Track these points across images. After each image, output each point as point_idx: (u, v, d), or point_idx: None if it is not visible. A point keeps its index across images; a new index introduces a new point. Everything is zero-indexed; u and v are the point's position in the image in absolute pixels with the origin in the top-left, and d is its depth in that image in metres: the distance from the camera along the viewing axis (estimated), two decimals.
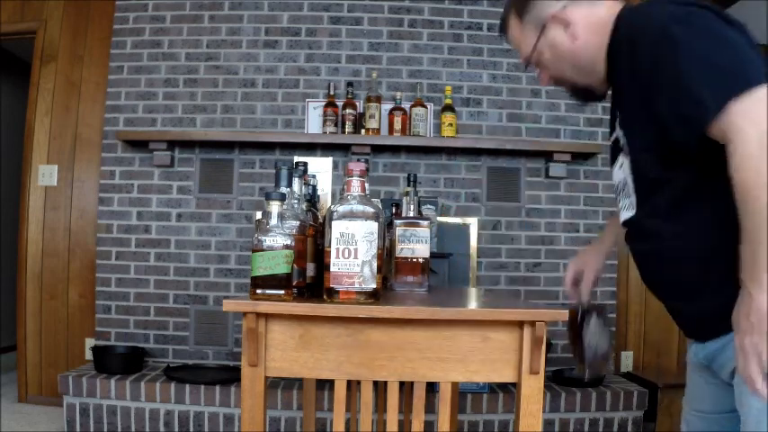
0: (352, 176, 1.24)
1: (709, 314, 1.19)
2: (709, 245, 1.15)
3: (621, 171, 1.29)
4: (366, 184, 1.25)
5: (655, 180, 1.19)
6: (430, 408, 2.82)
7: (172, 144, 3.44)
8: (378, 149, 3.44)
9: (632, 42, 1.14)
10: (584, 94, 1.34)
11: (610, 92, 1.33)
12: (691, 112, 1.05)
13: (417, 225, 1.62)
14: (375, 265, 1.20)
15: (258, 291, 1.20)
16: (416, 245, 1.61)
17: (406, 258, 1.61)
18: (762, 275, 1.01)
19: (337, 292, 1.21)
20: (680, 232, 1.17)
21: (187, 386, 3.01)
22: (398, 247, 1.60)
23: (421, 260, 1.62)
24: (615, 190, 1.35)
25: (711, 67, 1.04)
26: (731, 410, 1.25)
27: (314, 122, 3.46)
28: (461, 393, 2.99)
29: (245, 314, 1.19)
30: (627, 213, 1.29)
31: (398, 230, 1.61)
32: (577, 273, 1.69)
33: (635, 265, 1.34)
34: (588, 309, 1.65)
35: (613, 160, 1.34)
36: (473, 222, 3.46)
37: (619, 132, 1.27)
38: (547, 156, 3.43)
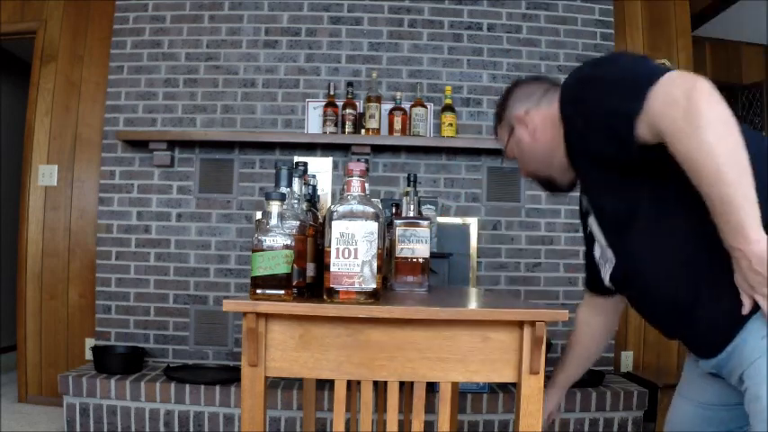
0: (352, 176, 1.24)
1: (709, 332, 1.21)
2: (688, 257, 1.19)
3: (598, 245, 1.41)
4: (366, 184, 1.25)
5: (622, 218, 1.27)
6: (430, 408, 2.82)
7: (172, 144, 3.44)
8: (378, 149, 3.44)
9: (564, 105, 1.30)
10: (548, 185, 1.50)
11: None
12: (618, 123, 1.13)
13: (417, 225, 1.62)
14: (375, 265, 1.20)
15: (258, 291, 1.20)
16: (416, 245, 1.61)
17: (406, 258, 1.61)
18: (744, 231, 1.05)
19: (337, 292, 1.21)
20: (658, 258, 1.23)
21: (187, 386, 3.01)
22: (398, 247, 1.60)
23: (421, 260, 1.62)
24: (599, 264, 1.45)
25: (620, 82, 1.16)
26: (735, 404, 1.27)
27: (314, 122, 3.46)
28: (461, 393, 2.99)
29: (245, 314, 1.19)
30: (610, 269, 1.38)
31: (398, 230, 1.61)
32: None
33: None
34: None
35: (591, 245, 1.47)
36: (473, 222, 3.46)
37: (583, 200, 1.41)
38: None
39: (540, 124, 1.43)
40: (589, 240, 1.50)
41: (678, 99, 1.05)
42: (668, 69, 1.12)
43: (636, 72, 1.15)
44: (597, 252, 1.44)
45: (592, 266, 1.56)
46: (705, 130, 1.03)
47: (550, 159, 1.42)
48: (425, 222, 1.64)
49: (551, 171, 1.46)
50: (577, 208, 3.83)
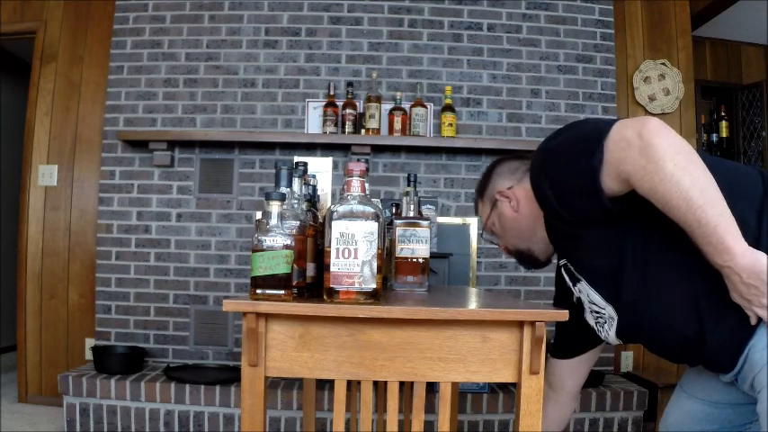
0: (352, 176, 1.24)
1: (722, 351, 1.22)
2: (685, 290, 1.21)
3: (588, 296, 1.41)
4: (366, 184, 1.25)
5: (613, 270, 1.28)
6: (430, 408, 2.82)
7: (172, 144, 3.44)
8: (378, 149, 3.44)
9: (533, 179, 1.33)
10: (527, 259, 1.55)
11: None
12: (584, 182, 1.17)
13: (417, 225, 1.63)
14: (375, 265, 1.20)
15: (258, 291, 1.20)
16: (416, 245, 1.61)
17: (406, 258, 1.61)
18: (727, 246, 1.07)
19: (337, 292, 1.21)
20: (657, 301, 1.24)
21: (187, 386, 3.01)
22: (398, 247, 1.60)
23: (421, 260, 1.62)
24: (596, 327, 1.45)
25: (577, 146, 1.20)
26: (743, 403, 1.27)
27: (314, 122, 3.46)
28: (461, 393, 2.99)
29: (244, 314, 1.19)
30: (615, 325, 1.37)
31: (398, 230, 1.61)
32: None
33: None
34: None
35: (582, 310, 1.46)
36: (473, 222, 3.46)
37: (568, 267, 1.42)
38: None
39: (522, 198, 1.47)
40: (576, 310, 1.48)
41: (631, 140, 1.09)
42: (614, 121, 1.16)
43: (588, 131, 1.20)
44: (591, 318, 1.44)
45: (570, 333, 1.59)
46: (664, 161, 1.06)
47: (532, 232, 1.47)
48: (425, 222, 1.64)
49: (531, 245, 1.51)
50: None
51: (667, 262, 1.21)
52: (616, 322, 1.37)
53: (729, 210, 1.07)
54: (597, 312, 1.41)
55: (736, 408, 1.31)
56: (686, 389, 1.43)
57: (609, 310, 1.37)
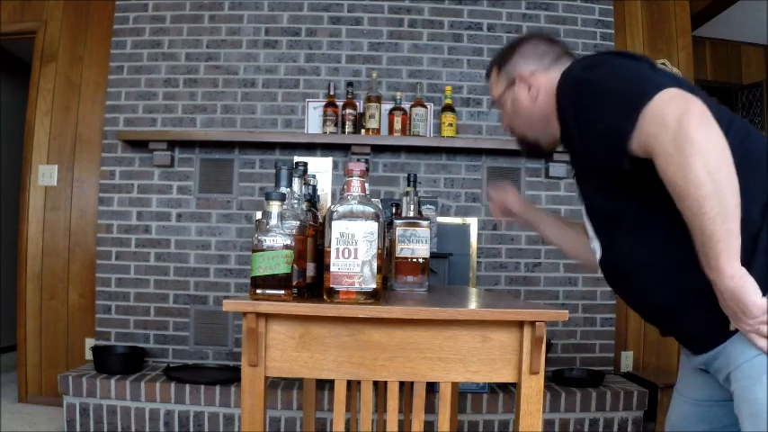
0: (352, 176, 1.24)
1: (698, 332, 1.23)
2: (673, 266, 1.19)
3: (584, 218, 1.40)
4: (366, 184, 1.25)
5: (611, 215, 1.27)
6: (430, 408, 2.82)
7: (172, 144, 3.44)
8: (378, 149, 3.44)
9: (560, 104, 1.27)
10: (528, 148, 1.48)
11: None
12: (612, 139, 1.13)
13: (417, 225, 1.63)
14: (375, 265, 1.20)
15: (258, 291, 1.20)
16: (416, 245, 1.61)
17: (406, 258, 1.62)
18: (720, 265, 1.06)
19: (337, 292, 1.21)
20: (642, 261, 1.23)
21: (187, 386, 3.01)
22: (398, 247, 1.61)
23: (421, 260, 1.62)
24: (591, 242, 1.43)
25: (615, 94, 1.14)
26: (725, 400, 1.27)
27: (314, 122, 3.46)
28: (461, 393, 2.99)
29: (244, 314, 1.19)
30: (598, 254, 1.37)
31: (398, 230, 1.61)
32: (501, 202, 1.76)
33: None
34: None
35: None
36: (473, 222, 3.46)
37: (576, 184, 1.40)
38: (547, 156, 3.43)
39: (543, 89, 1.37)
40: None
41: (669, 121, 1.04)
42: (662, 83, 1.09)
43: (631, 86, 1.13)
44: (587, 224, 1.41)
45: None
46: (693, 158, 1.02)
47: (545, 125, 1.39)
48: (425, 222, 1.64)
49: (540, 136, 1.43)
50: (576, 208, 3.81)
51: (667, 234, 1.19)
52: (598, 255, 1.35)
53: (738, 225, 1.04)
54: (588, 228, 1.40)
55: (721, 406, 1.30)
56: (678, 389, 1.43)
57: (595, 244, 1.36)
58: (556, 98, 1.29)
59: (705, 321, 1.18)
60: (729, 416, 1.27)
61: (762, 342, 1.10)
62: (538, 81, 1.39)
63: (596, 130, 1.17)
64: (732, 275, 1.06)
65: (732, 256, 1.05)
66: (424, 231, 1.63)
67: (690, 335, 1.26)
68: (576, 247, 1.64)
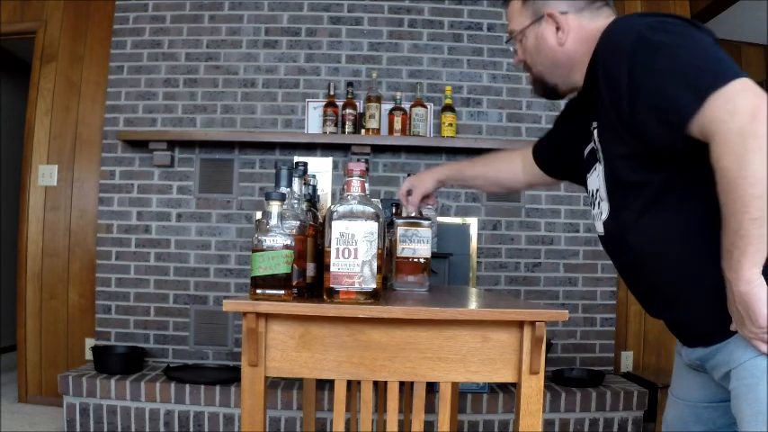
0: (352, 176, 1.24)
1: (697, 325, 1.21)
2: (688, 253, 1.16)
3: (597, 179, 1.32)
4: (366, 184, 1.25)
5: (631, 185, 1.20)
6: (430, 408, 2.82)
7: (172, 144, 3.44)
8: (378, 149, 3.44)
9: (611, 54, 1.16)
10: (544, 89, 1.38)
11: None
12: (671, 114, 1.06)
13: (419, 225, 1.63)
14: (375, 265, 1.20)
15: (258, 291, 1.20)
16: (417, 245, 1.62)
17: (408, 258, 1.62)
18: (740, 265, 1.03)
19: (337, 292, 1.21)
20: (654, 239, 1.19)
21: (187, 386, 3.02)
22: (400, 246, 1.61)
23: (422, 260, 1.63)
24: (590, 198, 1.39)
25: (687, 68, 1.06)
26: (720, 401, 1.26)
27: (314, 122, 3.46)
28: (461, 393, 2.99)
29: (244, 314, 1.19)
30: (600, 221, 1.32)
31: (400, 230, 1.62)
32: (410, 188, 1.75)
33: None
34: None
35: (589, 169, 1.37)
36: (473, 222, 3.46)
37: (596, 142, 1.30)
38: None
39: (573, 32, 1.28)
40: (576, 138, 1.41)
41: (741, 112, 0.99)
42: (737, 70, 1.04)
43: (706, 65, 1.05)
44: (594, 182, 1.34)
45: (557, 147, 1.57)
46: (755, 155, 0.98)
47: (567, 71, 1.31)
48: (426, 222, 1.64)
49: (560, 81, 1.34)
50: (576, 208, 3.81)
51: (689, 217, 1.14)
52: (604, 216, 1.29)
53: None
54: (598, 190, 1.31)
55: (715, 407, 1.29)
56: (672, 391, 1.42)
57: (604, 207, 1.29)
58: (601, 48, 1.18)
59: (711, 316, 1.16)
60: (725, 416, 1.27)
61: (764, 347, 1.09)
62: (568, 23, 1.28)
63: (654, 99, 1.09)
64: (750, 281, 1.03)
65: (756, 263, 1.03)
66: (425, 231, 1.63)
67: (691, 326, 1.23)
68: (503, 181, 1.73)
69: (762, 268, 1.04)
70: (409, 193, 1.73)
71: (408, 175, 1.84)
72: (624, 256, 1.29)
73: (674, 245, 1.17)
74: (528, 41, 1.34)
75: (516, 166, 1.72)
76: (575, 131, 1.42)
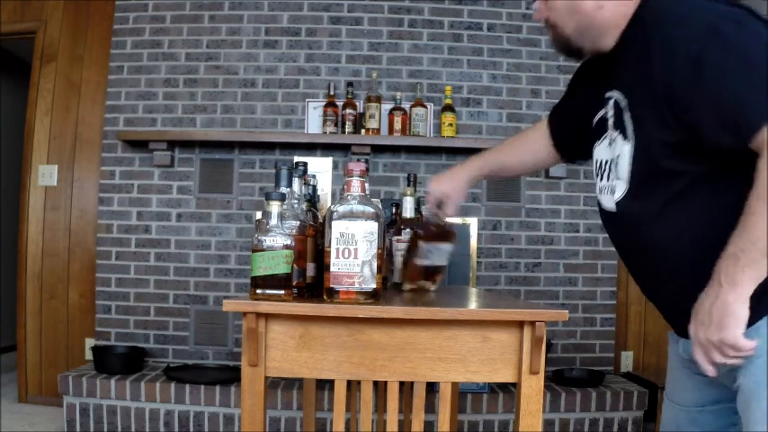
0: (352, 176, 1.24)
1: None
2: (707, 249, 1.11)
3: (610, 150, 1.24)
4: (366, 184, 1.25)
5: (664, 171, 1.13)
6: (430, 408, 2.82)
7: (172, 144, 3.44)
8: (378, 149, 3.44)
9: (677, 33, 1.07)
10: (567, 50, 1.29)
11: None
12: (738, 119, 1.01)
13: (446, 238, 1.64)
14: (375, 265, 1.20)
15: (258, 291, 1.20)
16: (437, 257, 1.62)
17: (425, 267, 1.64)
18: (742, 274, 1.01)
19: (337, 292, 1.21)
20: (679, 229, 1.15)
21: (187, 386, 3.01)
22: (419, 260, 1.61)
23: (438, 267, 1.66)
24: (596, 169, 1.32)
25: (761, 78, 1.00)
26: (713, 403, 1.25)
27: (314, 122, 3.46)
28: (461, 393, 2.99)
29: (244, 314, 1.19)
30: (610, 197, 1.24)
31: (424, 247, 1.60)
32: (441, 197, 1.64)
33: (620, 257, 1.33)
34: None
35: (598, 137, 1.30)
36: (473, 222, 3.46)
37: (608, 111, 1.23)
38: None
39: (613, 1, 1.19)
40: (598, 133, 1.30)
41: None
42: None
43: None
44: (603, 153, 1.27)
45: (567, 113, 1.51)
46: None
47: (597, 38, 1.22)
48: (451, 239, 1.66)
49: (586, 46, 1.25)
50: (576, 208, 3.80)
51: (715, 215, 1.11)
52: (617, 195, 1.21)
53: None
54: (612, 163, 1.24)
55: (711, 411, 1.27)
56: (667, 394, 1.39)
57: (619, 185, 1.21)
58: (661, 20, 1.10)
59: None
60: (720, 419, 1.25)
61: (706, 365, 1.08)
62: None
63: (719, 98, 1.03)
64: (742, 294, 1.01)
65: (755, 278, 1.01)
66: (448, 246, 1.63)
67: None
68: (539, 162, 1.68)
69: (754, 289, 1.02)
70: (438, 203, 1.62)
71: (410, 180, 1.83)
72: (636, 240, 1.23)
73: (697, 236, 1.13)
74: (558, 1, 1.23)
75: (545, 142, 1.62)
76: (586, 96, 1.36)
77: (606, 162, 1.26)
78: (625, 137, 1.19)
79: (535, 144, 1.64)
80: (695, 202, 1.12)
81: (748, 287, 1.02)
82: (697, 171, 1.11)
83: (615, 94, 1.21)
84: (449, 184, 1.64)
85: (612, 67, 1.23)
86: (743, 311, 1.02)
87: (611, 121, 1.23)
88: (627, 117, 1.18)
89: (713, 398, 1.24)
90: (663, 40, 1.09)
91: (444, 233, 1.65)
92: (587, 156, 1.41)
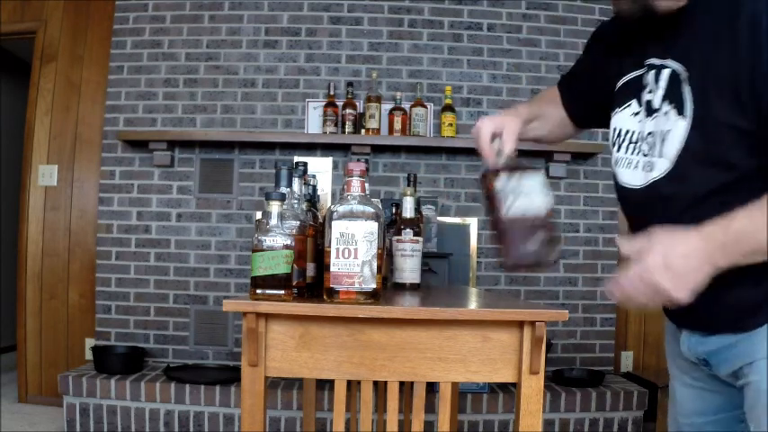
0: (352, 176, 1.24)
1: (728, 310, 1.10)
2: None
3: (639, 121, 1.15)
4: (366, 184, 1.25)
5: (719, 158, 1.04)
6: (430, 408, 2.82)
7: (172, 144, 3.44)
8: (378, 149, 3.44)
9: (754, 1, 0.98)
10: (643, 4, 1.09)
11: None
12: None
13: (526, 169, 1.20)
14: (375, 265, 1.20)
15: (258, 291, 1.20)
16: (528, 199, 1.16)
17: (520, 219, 1.18)
18: (725, 253, 0.96)
19: (337, 292, 1.21)
20: (713, 218, 1.02)
21: (187, 386, 3.02)
22: (504, 206, 1.18)
23: (541, 217, 1.18)
24: (618, 137, 1.20)
25: None
26: (715, 412, 1.22)
27: (314, 122, 3.46)
28: (461, 393, 2.99)
29: (244, 314, 1.19)
30: (642, 174, 1.13)
31: (499, 183, 1.19)
32: (496, 132, 1.31)
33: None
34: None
35: (621, 105, 1.20)
36: (473, 222, 3.46)
37: (647, 79, 1.13)
38: (547, 156, 3.43)
39: None
40: (625, 97, 1.19)
41: None
42: None
43: None
44: (628, 123, 1.17)
45: (579, 75, 1.39)
46: None
47: None
48: (535, 168, 1.24)
49: (664, 2, 1.09)
50: (576, 208, 3.79)
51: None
52: (656, 174, 1.10)
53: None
54: (646, 135, 1.13)
55: (715, 420, 1.25)
56: (671, 413, 1.37)
57: (660, 164, 1.09)
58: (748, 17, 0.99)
59: (751, 301, 1.07)
60: (720, 426, 1.24)
61: (614, 290, 1.02)
62: None
63: None
64: (713, 270, 0.97)
65: (723, 255, 0.96)
66: (535, 181, 1.18)
67: (723, 311, 1.10)
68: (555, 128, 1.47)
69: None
70: (493, 137, 1.30)
71: (410, 180, 1.75)
72: (664, 221, 1.08)
73: None
74: None
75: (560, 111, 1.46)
76: (608, 59, 1.26)
77: (631, 132, 1.17)
78: (680, 112, 1.07)
79: (555, 114, 1.47)
80: (736, 198, 1.02)
81: (712, 265, 0.97)
82: (748, 166, 1.03)
83: (672, 64, 1.10)
84: (500, 118, 1.34)
85: (669, 33, 1.10)
86: (702, 283, 0.97)
87: (659, 93, 1.11)
88: (686, 91, 1.07)
89: (714, 407, 1.22)
90: (749, 16, 0.98)
91: (521, 166, 1.22)
92: (599, 123, 1.32)
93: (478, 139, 1.30)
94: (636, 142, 1.16)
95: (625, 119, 1.19)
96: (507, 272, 1.11)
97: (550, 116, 1.45)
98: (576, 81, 1.43)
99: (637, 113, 1.17)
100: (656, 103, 1.12)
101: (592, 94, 1.33)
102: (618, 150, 1.20)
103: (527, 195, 1.15)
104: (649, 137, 1.13)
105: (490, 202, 1.20)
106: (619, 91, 1.22)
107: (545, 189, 1.16)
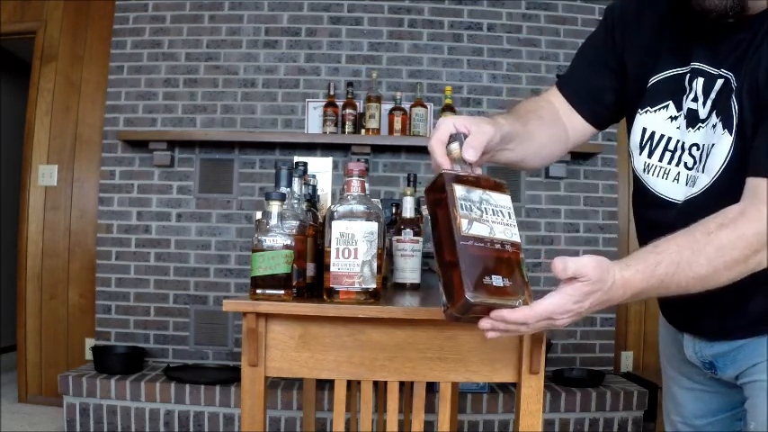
0: (351, 176, 1.24)
1: (741, 316, 1.08)
2: None
3: (677, 127, 1.06)
4: (366, 184, 1.25)
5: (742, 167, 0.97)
6: (430, 408, 2.82)
7: (172, 144, 3.44)
8: (378, 149, 3.44)
9: None
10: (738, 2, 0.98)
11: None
12: None
13: (497, 188, 0.93)
14: (375, 265, 1.20)
15: (258, 291, 1.20)
16: (495, 220, 0.88)
17: (482, 242, 0.85)
18: (646, 295, 0.91)
19: (337, 292, 1.21)
20: None
21: (187, 386, 3.02)
22: (462, 221, 0.84)
23: (508, 248, 0.87)
24: (649, 141, 1.11)
25: None
26: (714, 414, 1.22)
27: (314, 122, 3.46)
28: (461, 393, 2.99)
29: (244, 314, 1.19)
30: (680, 189, 1.07)
31: (459, 192, 0.87)
32: (456, 131, 0.97)
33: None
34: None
35: (654, 104, 1.10)
36: None
37: (695, 84, 1.05)
38: None
39: None
40: (660, 97, 1.09)
41: None
42: None
43: None
44: (663, 127, 1.08)
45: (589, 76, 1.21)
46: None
47: None
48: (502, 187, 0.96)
49: (751, 4, 0.99)
50: (576, 208, 3.79)
51: None
52: (696, 190, 1.04)
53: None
54: (662, 144, 1.08)
55: (714, 421, 1.25)
56: (668, 412, 1.37)
57: (701, 178, 1.03)
58: None
59: (762, 308, 1.05)
60: (718, 426, 1.23)
61: (487, 327, 0.88)
62: None
63: None
64: (630, 298, 0.90)
65: (635, 292, 0.89)
66: (503, 199, 0.92)
67: (736, 317, 1.08)
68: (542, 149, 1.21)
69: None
70: (452, 138, 0.96)
71: (410, 180, 1.72)
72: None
73: None
74: None
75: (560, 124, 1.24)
76: (634, 45, 1.14)
77: (667, 138, 1.09)
78: (725, 126, 1.01)
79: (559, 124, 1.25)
80: None
81: (636, 290, 0.89)
82: None
83: (726, 74, 1.02)
84: (471, 121, 1.00)
85: (724, 39, 1.03)
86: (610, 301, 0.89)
87: (708, 102, 1.04)
88: (734, 104, 1.00)
89: (714, 408, 1.22)
90: None
91: (484, 180, 0.92)
92: (614, 119, 1.24)
93: (431, 137, 0.98)
94: (674, 151, 1.08)
95: (659, 122, 1.10)
96: (450, 320, 0.87)
97: (533, 137, 1.15)
98: (595, 75, 1.23)
99: (674, 118, 1.08)
100: (702, 114, 1.05)
101: (613, 85, 1.20)
102: (650, 156, 1.11)
103: (493, 215, 0.88)
104: (694, 149, 1.06)
105: (438, 216, 0.87)
106: (652, 87, 1.11)
107: (513, 217, 0.91)
